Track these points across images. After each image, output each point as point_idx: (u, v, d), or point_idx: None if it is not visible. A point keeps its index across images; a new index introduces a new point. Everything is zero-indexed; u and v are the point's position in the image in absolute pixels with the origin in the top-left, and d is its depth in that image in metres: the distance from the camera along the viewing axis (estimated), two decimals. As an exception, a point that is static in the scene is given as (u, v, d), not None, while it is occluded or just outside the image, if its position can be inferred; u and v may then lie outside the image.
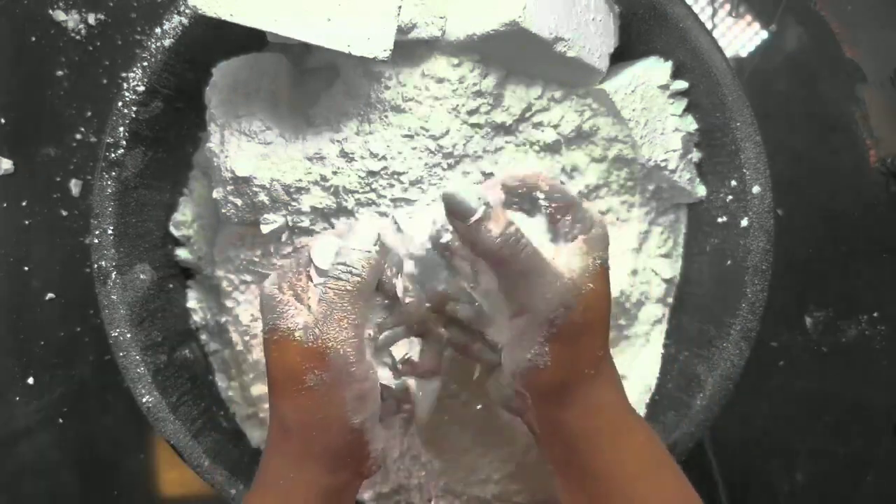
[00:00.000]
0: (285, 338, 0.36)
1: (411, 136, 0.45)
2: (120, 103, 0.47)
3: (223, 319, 0.52)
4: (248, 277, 0.50)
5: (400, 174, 0.45)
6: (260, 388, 0.51)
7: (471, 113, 0.46)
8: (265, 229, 0.46)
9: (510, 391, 0.39)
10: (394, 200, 0.45)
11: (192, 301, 0.54)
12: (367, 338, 0.37)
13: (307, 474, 0.36)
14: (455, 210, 0.36)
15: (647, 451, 0.38)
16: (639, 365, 0.54)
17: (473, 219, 0.35)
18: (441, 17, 0.45)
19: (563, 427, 0.37)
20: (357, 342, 0.36)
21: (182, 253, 0.53)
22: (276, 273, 0.38)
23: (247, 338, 0.51)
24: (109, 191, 0.48)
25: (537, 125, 0.48)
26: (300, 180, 0.45)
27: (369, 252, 0.37)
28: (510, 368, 0.38)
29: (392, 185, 0.45)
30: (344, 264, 0.36)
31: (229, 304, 0.51)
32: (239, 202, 0.46)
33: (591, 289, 0.36)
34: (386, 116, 0.45)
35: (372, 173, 0.45)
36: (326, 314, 0.35)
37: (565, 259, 0.37)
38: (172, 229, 0.52)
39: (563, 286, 0.35)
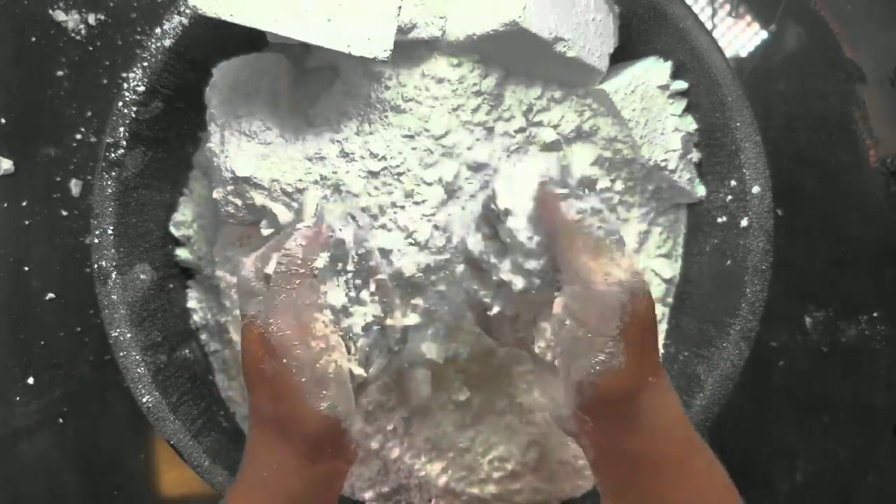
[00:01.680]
0: (248, 325, 0.35)
1: (411, 137, 0.45)
2: (120, 103, 0.47)
3: (223, 319, 0.52)
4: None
5: (400, 174, 0.45)
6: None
7: (471, 113, 0.46)
8: (265, 231, 0.46)
9: (567, 411, 0.36)
10: (394, 202, 0.45)
11: (193, 301, 0.54)
12: (321, 321, 0.36)
13: (289, 464, 0.35)
14: (558, 175, 0.36)
15: (712, 481, 0.36)
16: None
17: (564, 191, 0.35)
18: (441, 17, 0.45)
19: (626, 452, 0.35)
20: (297, 325, 0.34)
21: (182, 253, 0.53)
22: (252, 258, 0.38)
23: (237, 336, 0.51)
24: (109, 191, 0.48)
25: (537, 125, 0.48)
26: (300, 180, 0.45)
27: (303, 229, 0.36)
28: (576, 378, 0.34)
29: (392, 186, 0.45)
30: (286, 249, 0.36)
31: (228, 303, 0.51)
32: (239, 202, 0.46)
33: (646, 283, 0.35)
34: (386, 117, 0.45)
35: (372, 173, 0.45)
36: (271, 299, 0.35)
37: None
38: (172, 229, 0.52)
39: (631, 274, 0.34)
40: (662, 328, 0.54)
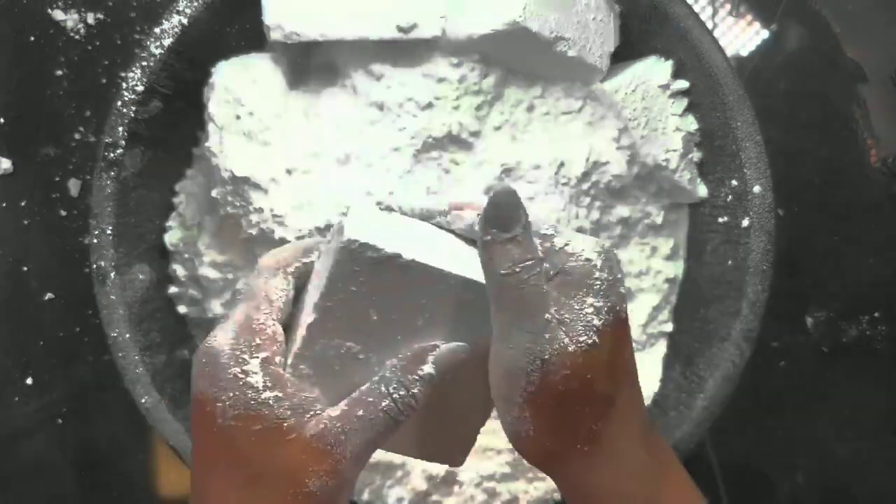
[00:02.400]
0: (275, 433, 0.31)
1: (412, 137, 0.45)
2: (119, 103, 0.47)
3: (211, 315, 0.52)
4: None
5: (400, 174, 0.45)
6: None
7: (471, 113, 0.46)
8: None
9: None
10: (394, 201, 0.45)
11: (182, 306, 0.53)
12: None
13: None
14: (499, 215, 0.29)
15: None
16: (641, 365, 0.54)
17: (510, 235, 0.29)
18: (441, 17, 0.45)
19: (585, 493, 0.32)
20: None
21: (178, 268, 0.53)
22: (227, 332, 0.32)
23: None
24: (108, 191, 0.48)
25: (538, 125, 0.48)
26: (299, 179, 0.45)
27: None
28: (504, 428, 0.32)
29: (392, 185, 0.45)
30: (409, 392, 0.31)
31: (215, 304, 0.51)
32: (238, 202, 0.46)
33: (582, 350, 0.29)
34: (386, 116, 0.45)
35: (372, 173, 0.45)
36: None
37: (560, 307, 0.30)
38: (166, 239, 0.52)
39: (546, 339, 0.29)
40: (665, 329, 0.54)
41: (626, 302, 0.31)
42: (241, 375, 0.30)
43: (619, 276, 0.31)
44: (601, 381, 0.30)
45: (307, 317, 0.31)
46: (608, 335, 0.30)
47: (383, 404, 0.30)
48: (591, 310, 0.30)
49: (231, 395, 0.29)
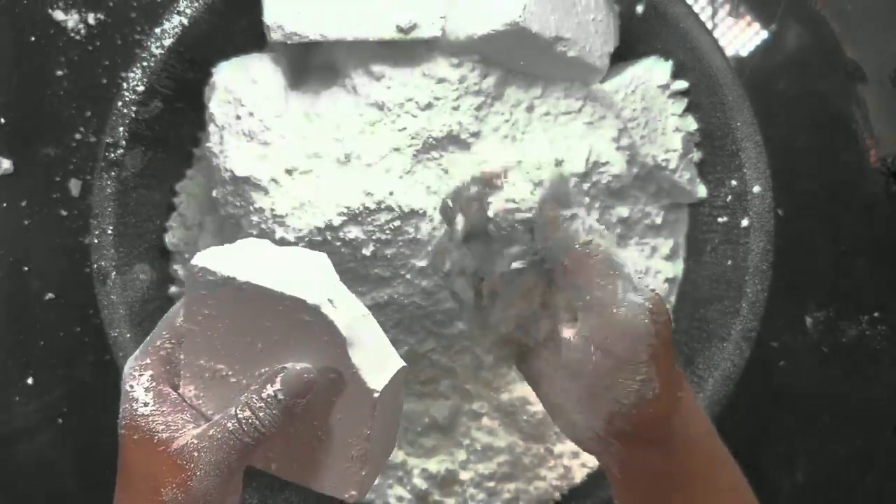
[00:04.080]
0: (147, 439, 0.34)
1: (412, 137, 0.45)
2: (119, 103, 0.47)
3: None
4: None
5: (400, 174, 0.45)
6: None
7: (471, 113, 0.46)
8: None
9: (589, 433, 0.34)
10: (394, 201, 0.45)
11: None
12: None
13: None
14: (561, 195, 0.33)
15: (739, 498, 0.35)
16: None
17: (570, 211, 0.33)
18: (441, 17, 0.45)
19: (653, 470, 0.33)
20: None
21: (178, 268, 0.53)
22: (136, 352, 0.35)
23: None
24: (109, 191, 0.48)
25: (538, 125, 0.48)
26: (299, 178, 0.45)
27: (287, 403, 0.32)
28: (607, 410, 0.32)
29: (392, 185, 0.45)
30: (254, 415, 0.32)
31: None
32: (238, 202, 0.46)
33: (662, 301, 0.33)
34: (386, 116, 0.45)
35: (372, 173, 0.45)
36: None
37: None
38: (167, 239, 0.52)
39: (650, 295, 0.32)
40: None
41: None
42: (128, 390, 0.33)
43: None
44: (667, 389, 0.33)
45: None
46: (666, 336, 0.33)
47: (229, 425, 0.32)
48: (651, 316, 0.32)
49: (123, 406, 0.33)
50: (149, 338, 0.34)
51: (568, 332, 0.34)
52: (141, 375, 0.33)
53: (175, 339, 0.34)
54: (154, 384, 0.33)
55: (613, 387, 0.32)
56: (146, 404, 0.33)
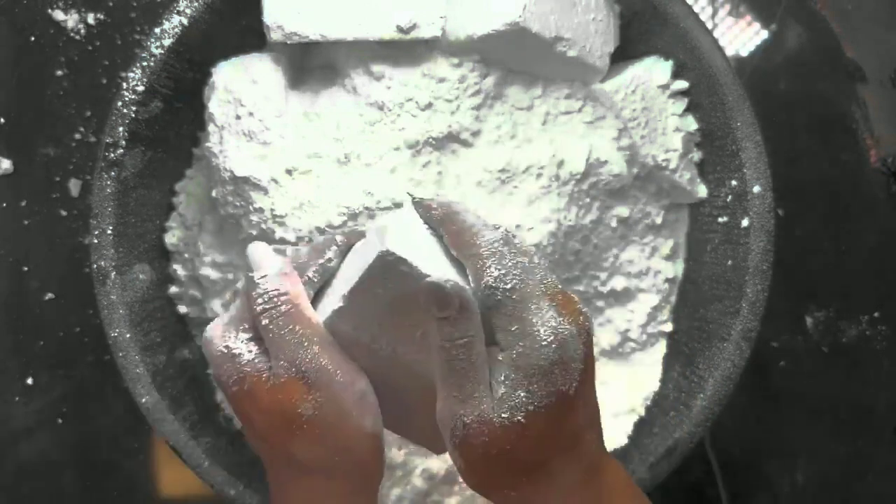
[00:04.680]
0: (257, 386, 0.33)
1: (412, 137, 0.45)
2: (119, 103, 0.47)
3: (210, 315, 0.52)
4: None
5: (400, 174, 0.45)
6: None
7: (471, 113, 0.46)
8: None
9: None
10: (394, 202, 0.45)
11: (182, 305, 0.54)
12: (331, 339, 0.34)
13: None
14: (436, 298, 0.31)
15: None
16: (641, 366, 0.54)
17: (444, 314, 0.31)
18: (441, 17, 0.45)
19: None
20: (324, 350, 0.33)
21: (178, 268, 0.53)
22: (220, 327, 0.35)
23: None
24: (109, 191, 0.48)
25: (537, 125, 0.48)
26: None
27: (277, 269, 0.34)
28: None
29: (392, 185, 0.45)
30: (263, 294, 0.33)
31: (214, 303, 0.51)
32: (238, 202, 0.46)
33: (505, 425, 0.30)
34: (386, 116, 0.45)
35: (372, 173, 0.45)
36: (279, 344, 0.33)
37: (499, 379, 0.31)
38: (166, 239, 0.52)
39: (470, 406, 0.31)
40: (665, 329, 0.54)
41: (579, 379, 0.31)
42: (224, 350, 0.34)
43: (577, 354, 0.31)
44: (525, 451, 0.31)
45: (333, 302, 0.34)
46: (542, 415, 0.31)
47: (263, 320, 0.34)
48: (525, 393, 0.31)
49: (225, 367, 0.34)
50: (236, 310, 0.35)
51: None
52: (239, 335, 0.34)
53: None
54: (254, 343, 0.34)
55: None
56: (249, 354, 0.34)
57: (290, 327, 0.33)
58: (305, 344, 0.33)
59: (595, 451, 0.34)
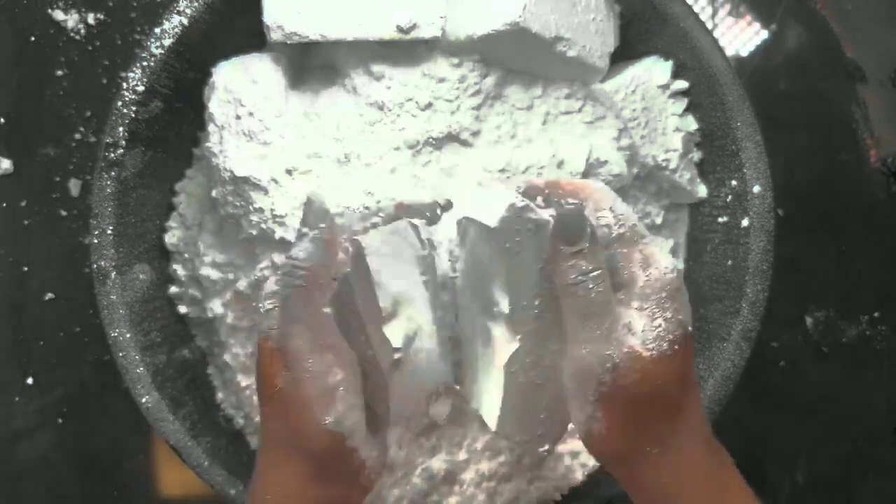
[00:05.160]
0: (263, 340, 0.34)
1: (412, 137, 0.45)
2: (119, 103, 0.47)
3: (210, 315, 0.52)
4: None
5: (400, 175, 0.45)
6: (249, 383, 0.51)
7: (471, 113, 0.46)
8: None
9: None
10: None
11: (182, 306, 0.53)
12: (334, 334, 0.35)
13: (292, 485, 0.34)
14: (568, 231, 0.32)
15: None
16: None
17: (577, 248, 0.31)
18: (441, 17, 0.45)
19: (650, 489, 0.34)
20: (310, 337, 0.33)
21: (178, 268, 0.53)
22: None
23: (231, 339, 0.51)
24: (109, 191, 0.48)
25: (537, 125, 0.48)
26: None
27: (315, 235, 0.34)
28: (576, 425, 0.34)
29: (392, 185, 0.45)
30: (290, 256, 0.34)
31: (215, 305, 0.51)
32: (238, 202, 0.46)
33: (654, 358, 0.31)
34: (386, 116, 0.45)
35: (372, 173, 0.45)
36: (282, 311, 0.34)
37: (634, 316, 0.32)
38: (166, 239, 0.52)
39: (616, 344, 0.31)
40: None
41: (692, 316, 0.33)
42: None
43: (686, 292, 0.33)
44: (672, 388, 0.32)
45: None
46: (680, 346, 0.31)
47: (275, 279, 0.35)
48: (663, 321, 0.31)
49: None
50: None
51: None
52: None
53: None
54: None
55: (574, 408, 0.33)
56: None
57: (294, 302, 0.33)
58: (295, 324, 0.33)
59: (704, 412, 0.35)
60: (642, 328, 0.31)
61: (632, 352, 0.31)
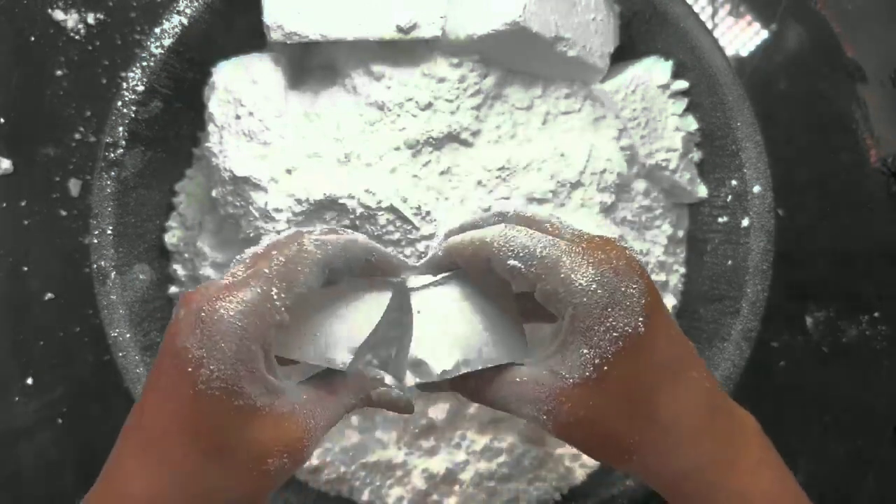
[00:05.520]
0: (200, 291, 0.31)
1: (412, 137, 0.45)
2: (119, 103, 0.47)
3: None
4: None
5: (400, 175, 0.45)
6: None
7: (471, 113, 0.46)
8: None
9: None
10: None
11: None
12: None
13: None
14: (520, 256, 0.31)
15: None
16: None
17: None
18: (441, 17, 0.45)
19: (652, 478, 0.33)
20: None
21: (178, 268, 0.53)
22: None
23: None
24: (109, 191, 0.48)
25: (537, 125, 0.48)
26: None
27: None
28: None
29: (392, 186, 0.45)
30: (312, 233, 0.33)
31: None
32: (238, 202, 0.46)
33: (578, 384, 0.31)
34: (386, 116, 0.45)
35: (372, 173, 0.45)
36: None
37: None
38: (166, 239, 0.52)
39: (545, 375, 0.32)
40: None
41: (644, 313, 0.30)
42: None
43: (631, 290, 0.30)
44: (615, 403, 0.31)
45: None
46: (614, 363, 0.30)
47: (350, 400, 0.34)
48: (587, 348, 0.30)
49: (222, 367, 0.28)
50: (258, 291, 0.30)
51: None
52: (254, 343, 0.31)
53: (293, 303, 0.31)
54: (269, 355, 0.33)
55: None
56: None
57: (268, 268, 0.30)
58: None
59: (710, 390, 0.32)
60: (567, 359, 0.31)
61: (558, 384, 0.31)
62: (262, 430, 0.30)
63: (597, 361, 0.30)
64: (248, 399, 0.29)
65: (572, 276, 0.30)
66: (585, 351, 0.30)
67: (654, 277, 0.53)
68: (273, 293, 0.30)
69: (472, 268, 0.35)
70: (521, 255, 0.31)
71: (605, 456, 0.32)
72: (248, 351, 0.29)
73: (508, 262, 0.31)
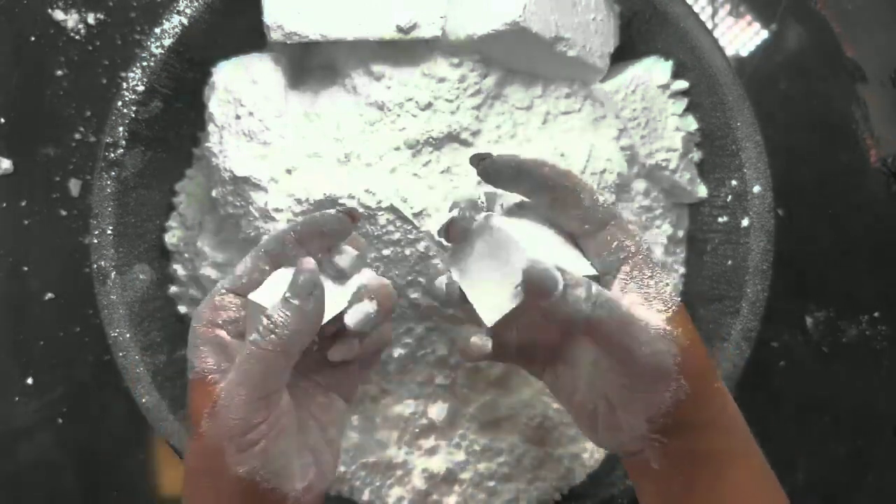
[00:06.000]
0: (199, 382, 0.33)
1: (412, 137, 0.45)
2: (119, 103, 0.47)
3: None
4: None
5: (400, 174, 0.45)
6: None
7: (471, 113, 0.46)
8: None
9: (628, 438, 0.35)
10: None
11: (182, 306, 0.53)
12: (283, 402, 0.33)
13: None
14: (536, 289, 0.31)
15: (770, 474, 0.36)
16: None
17: (557, 293, 0.30)
18: (441, 17, 0.45)
19: (697, 454, 0.34)
20: (258, 403, 0.32)
21: (178, 268, 0.53)
22: (210, 303, 0.35)
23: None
24: (109, 191, 0.48)
25: (537, 125, 0.48)
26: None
27: (300, 305, 0.32)
28: (644, 415, 0.33)
29: (392, 185, 0.45)
30: (269, 318, 0.32)
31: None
32: (238, 202, 0.46)
33: (688, 346, 0.32)
34: (386, 116, 0.45)
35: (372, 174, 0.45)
36: (238, 366, 0.32)
37: (639, 307, 0.32)
38: (166, 239, 0.52)
39: (664, 306, 0.33)
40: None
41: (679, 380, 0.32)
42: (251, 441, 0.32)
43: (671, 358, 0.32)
44: (708, 375, 0.34)
45: None
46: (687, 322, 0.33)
47: (250, 338, 0.33)
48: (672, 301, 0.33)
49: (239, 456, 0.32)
50: (256, 375, 0.32)
51: (584, 353, 0.36)
52: (261, 425, 0.33)
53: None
54: (278, 438, 0.34)
55: (646, 397, 0.33)
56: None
57: (259, 359, 0.32)
58: (249, 388, 0.32)
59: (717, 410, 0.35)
60: (658, 319, 0.32)
61: (674, 335, 0.32)
62: (195, 399, 0.33)
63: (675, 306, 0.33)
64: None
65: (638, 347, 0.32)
66: (647, 426, 0.33)
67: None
68: (269, 370, 0.32)
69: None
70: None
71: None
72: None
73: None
